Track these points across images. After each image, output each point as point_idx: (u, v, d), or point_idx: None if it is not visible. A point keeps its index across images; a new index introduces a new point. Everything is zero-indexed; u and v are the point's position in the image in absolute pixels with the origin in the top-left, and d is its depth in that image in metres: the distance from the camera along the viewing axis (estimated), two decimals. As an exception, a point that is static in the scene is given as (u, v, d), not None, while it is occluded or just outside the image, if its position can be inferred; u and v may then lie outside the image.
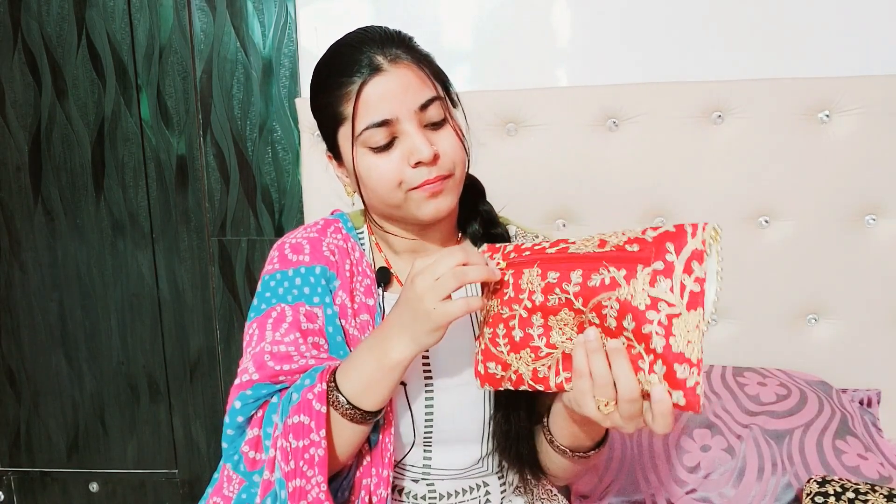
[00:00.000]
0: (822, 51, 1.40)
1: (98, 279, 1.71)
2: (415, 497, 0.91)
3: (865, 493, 1.12)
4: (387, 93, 0.80)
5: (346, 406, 0.77)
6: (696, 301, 0.63)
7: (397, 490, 0.91)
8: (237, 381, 0.82)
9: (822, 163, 1.38)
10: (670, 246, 0.64)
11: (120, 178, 1.65)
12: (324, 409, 0.76)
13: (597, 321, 0.68)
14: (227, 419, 0.81)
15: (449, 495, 0.91)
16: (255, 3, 1.53)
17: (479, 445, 0.90)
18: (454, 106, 0.90)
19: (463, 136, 0.87)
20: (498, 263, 0.75)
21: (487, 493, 0.93)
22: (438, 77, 0.86)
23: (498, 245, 0.77)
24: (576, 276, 0.68)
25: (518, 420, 0.87)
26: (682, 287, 0.63)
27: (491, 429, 0.89)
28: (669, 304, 0.63)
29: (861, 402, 1.42)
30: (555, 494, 1.01)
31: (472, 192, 0.96)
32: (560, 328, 0.71)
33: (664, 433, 0.68)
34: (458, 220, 0.96)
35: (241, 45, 1.56)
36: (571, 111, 1.40)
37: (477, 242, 0.94)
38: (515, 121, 1.42)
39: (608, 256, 0.67)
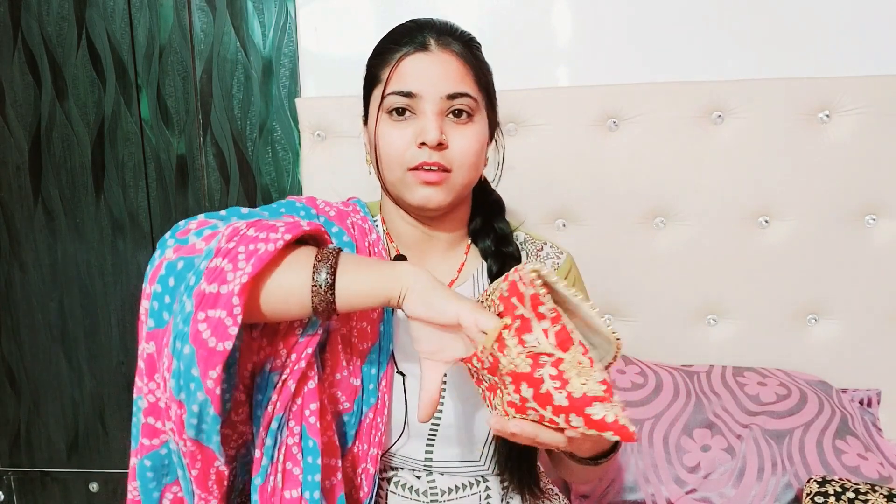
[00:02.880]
0: (822, 51, 1.40)
1: (98, 279, 1.71)
2: (416, 492, 0.91)
3: (865, 493, 1.12)
4: (423, 69, 0.83)
5: (323, 277, 0.69)
6: (565, 340, 0.61)
7: (399, 485, 0.91)
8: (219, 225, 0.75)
9: (822, 163, 1.38)
10: (515, 301, 0.63)
11: (120, 178, 1.65)
12: (284, 239, 0.69)
13: (508, 398, 0.65)
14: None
15: (450, 490, 0.91)
16: (255, 3, 1.53)
17: (482, 447, 0.90)
18: (493, 125, 0.91)
19: (483, 146, 0.87)
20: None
21: (488, 488, 0.93)
22: (484, 86, 0.88)
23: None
24: (484, 356, 0.66)
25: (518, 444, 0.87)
26: (545, 332, 0.61)
27: (494, 445, 0.89)
28: (548, 355, 0.61)
29: (861, 402, 1.42)
30: (555, 494, 1.01)
31: (491, 206, 0.96)
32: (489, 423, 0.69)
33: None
34: (472, 232, 0.96)
35: (241, 45, 1.56)
36: (571, 111, 1.41)
37: (488, 259, 0.93)
38: (515, 121, 1.42)
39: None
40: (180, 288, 0.70)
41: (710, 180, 1.41)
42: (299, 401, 0.77)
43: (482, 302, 0.70)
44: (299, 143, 1.53)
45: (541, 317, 0.62)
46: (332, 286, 0.70)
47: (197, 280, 0.68)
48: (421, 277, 0.71)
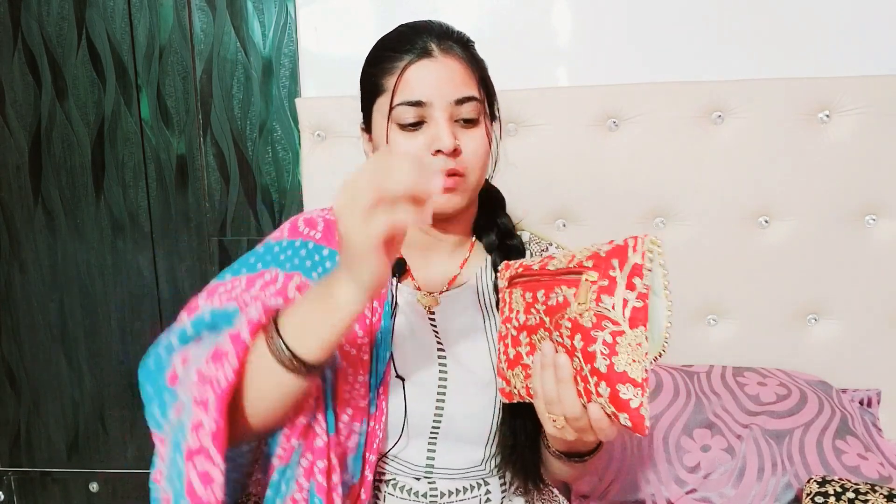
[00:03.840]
0: (822, 51, 1.40)
1: (98, 279, 1.71)
2: (416, 494, 0.91)
3: (865, 493, 1.12)
4: (429, 77, 0.83)
5: (282, 346, 0.68)
6: (638, 318, 0.62)
7: (398, 487, 0.91)
8: (202, 304, 0.80)
9: (822, 163, 1.38)
10: (615, 262, 0.63)
11: (120, 178, 1.65)
12: (249, 340, 0.69)
13: (560, 339, 0.67)
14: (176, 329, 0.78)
15: (450, 493, 0.91)
16: (255, 3, 1.53)
17: (484, 448, 0.90)
18: (493, 120, 0.91)
19: (490, 145, 0.88)
20: (506, 282, 0.75)
21: (488, 492, 0.93)
22: (485, 84, 0.88)
23: (511, 262, 0.77)
24: (540, 295, 0.69)
25: (523, 432, 0.87)
26: (625, 303, 0.62)
27: (497, 438, 0.89)
28: (613, 322, 0.62)
29: (861, 402, 1.42)
30: (556, 495, 1.01)
31: (493, 202, 0.97)
32: (541, 346, 0.71)
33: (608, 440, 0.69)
34: (475, 228, 0.96)
35: (241, 45, 1.56)
36: (571, 111, 1.41)
37: (493, 252, 0.94)
38: (515, 121, 1.42)
39: (566, 273, 0.67)
40: (174, 424, 0.73)
41: (710, 180, 1.41)
42: (309, 456, 0.78)
43: (548, 256, 0.72)
44: (299, 143, 1.53)
45: (631, 286, 0.62)
46: (284, 342, 0.68)
47: (184, 437, 0.69)
48: (341, 260, 0.66)
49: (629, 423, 0.62)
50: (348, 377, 0.84)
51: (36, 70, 1.61)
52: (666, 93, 1.39)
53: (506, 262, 0.79)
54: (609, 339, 0.62)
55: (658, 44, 1.44)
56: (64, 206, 1.68)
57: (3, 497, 1.84)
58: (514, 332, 0.74)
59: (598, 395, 0.63)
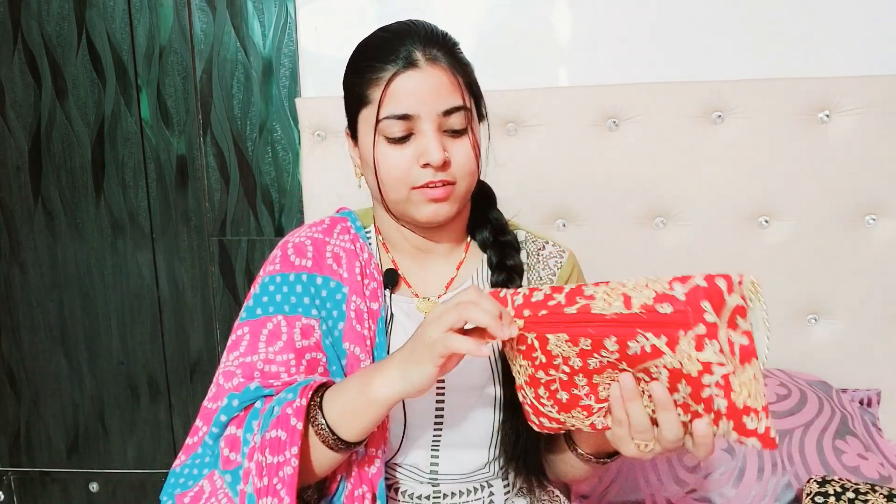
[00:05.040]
0: (822, 51, 1.40)
1: (98, 279, 1.71)
2: (419, 497, 0.91)
3: (865, 493, 1.12)
4: (415, 89, 0.81)
5: (324, 427, 0.76)
6: (748, 354, 0.61)
7: (400, 492, 0.91)
8: (226, 384, 0.83)
9: (822, 163, 1.38)
10: (706, 304, 0.61)
11: (120, 178, 1.65)
12: (300, 426, 0.75)
13: (647, 378, 0.65)
14: (215, 417, 0.82)
15: (453, 495, 0.91)
16: (255, 3, 1.53)
17: (487, 451, 0.90)
18: (481, 119, 0.90)
19: (479, 151, 0.87)
20: (513, 318, 0.70)
21: (491, 493, 0.93)
22: (471, 88, 0.87)
23: (503, 293, 0.72)
24: (610, 343, 0.65)
25: (526, 430, 0.87)
26: (731, 344, 0.61)
27: (500, 437, 0.89)
28: (721, 365, 0.60)
29: (861, 402, 1.42)
30: (556, 495, 1.01)
31: (484, 198, 0.96)
32: (606, 384, 0.69)
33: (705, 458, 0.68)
34: (469, 227, 0.96)
35: (241, 45, 1.56)
36: (571, 111, 1.40)
37: (487, 250, 0.94)
38: (515, 121, 1.42)
39: (640, 321, 0.63)
40: None
41: (710, 180, 1.41)
42: (349, 485, 0.83)
43: (627, 286, 0.67)
44: (299, 143, 1.53)
45: (733, 326, 0.61)
46: (328, 424, 0.76)
47: None
48: (399, 354, 0.74)
49: (759, 445, 0.61)
50: None
51: (36, 70, 1.61)
52: (666, 93, 1.39)
53: (494, 290, 0.73)
54: (721, 381, 0.60)
55: (658, 44, 1.44)
56: (64, 206, 1.68)
57: (3, 497, 1.84)
58: (565, 378, 0.70)
59: (718, 428, 0.63)
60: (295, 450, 0.75)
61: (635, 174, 1.42)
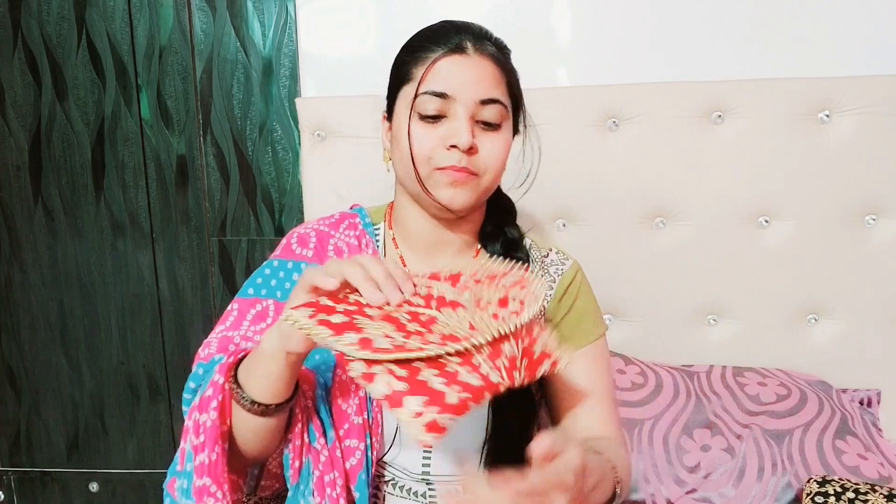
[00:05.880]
0: (822, 51, 1.40)
1: (98, 279, 1.71)
2: (414, 494, 0.91)
3: (865, 493, 1.12)
4: (458, 72, 0.83)
5: (237, 388, 0.76)
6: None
7: (397, 486, 0.91)
8: (201, 352, 0.86)
9: (822, 163, 1.38)
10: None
11: (120, 178, 1.65)
12: (221, 380, 0.77)
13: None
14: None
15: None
16: (255, 3, 1.53)
17: (478, 455, 0.90)
18: (516, 132, 0.92)
19: (507, 153, 0.88)
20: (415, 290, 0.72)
21: (488, 489, 0.93)
22: (512, 91, 0.88)
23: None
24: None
25: (517, 432, 0.87)
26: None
27: (491, 441, 0.89)
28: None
29: (861, 402, 1.42)
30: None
31: (502, 211, 0.96)
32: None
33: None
34: (481, 236, 0.96)
35: (241, 45, 1.56)
36: (571, 111, 1.40)
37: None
38: (515, 121, 1.42)
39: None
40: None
41: (710, 180, 1.41)
42: (316, 472, 0.82)
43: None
44: (299, 143, 1.53)
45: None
46: (239, 385, 0.76)
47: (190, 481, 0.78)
48: (279, 326, 0.72)
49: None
50: (344, 394, 0.86)
51: (36, 70, 1.61)
52: (666, 93, 1.39)
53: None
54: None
55: (658, 44, 1.44)
56: (64, 206, 1.68)
57: (3, 497, 1.84)
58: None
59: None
60: (214, 403, 0.76)
61: (635, 174, 1.42)
